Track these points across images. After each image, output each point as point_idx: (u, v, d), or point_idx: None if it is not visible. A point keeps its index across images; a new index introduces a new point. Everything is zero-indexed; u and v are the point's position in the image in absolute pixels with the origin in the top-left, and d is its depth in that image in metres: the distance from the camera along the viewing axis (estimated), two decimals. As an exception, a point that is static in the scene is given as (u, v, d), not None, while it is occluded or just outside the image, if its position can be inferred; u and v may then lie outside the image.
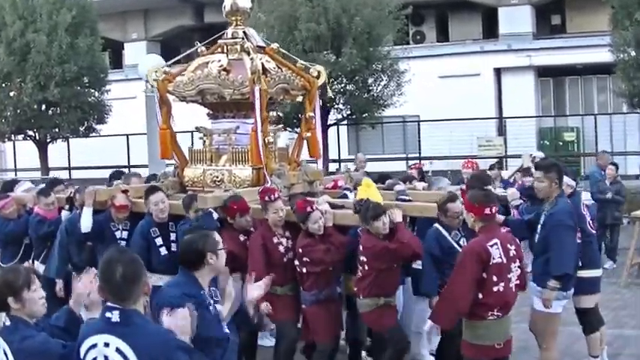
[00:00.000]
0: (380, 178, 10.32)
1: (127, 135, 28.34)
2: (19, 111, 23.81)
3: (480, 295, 6.62)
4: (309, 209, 8.13)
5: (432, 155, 26.09)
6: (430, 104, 27.19)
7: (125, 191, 9.47)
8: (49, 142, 25.69)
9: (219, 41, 10.03)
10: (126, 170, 16.53)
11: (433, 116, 26.90)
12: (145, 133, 18.72)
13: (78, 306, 5.16)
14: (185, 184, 9.84)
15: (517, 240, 7.12)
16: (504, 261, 6.65)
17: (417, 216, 8.68)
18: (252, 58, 9.46)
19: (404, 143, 29.21)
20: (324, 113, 22.03)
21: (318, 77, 10.16)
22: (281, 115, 20.14)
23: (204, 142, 9.84)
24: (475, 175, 10.50)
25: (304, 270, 8.17)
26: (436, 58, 29.23)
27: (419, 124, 27.71)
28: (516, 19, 29.86)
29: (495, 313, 6.66)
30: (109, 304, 4.43)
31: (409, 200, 8.86)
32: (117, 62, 35.19)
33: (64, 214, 9.90)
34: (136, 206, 9.37)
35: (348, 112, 23.25)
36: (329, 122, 22.89)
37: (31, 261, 10.06)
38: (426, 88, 26.36)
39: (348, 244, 8.24)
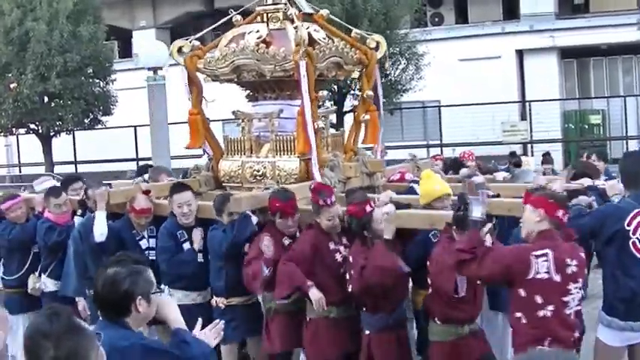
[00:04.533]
0: (452, 166, 8.94)
1: (135, 126, 27.33)
2: (18, 103, 23.04)
3: (524, 321, 5.26)
4: (368, 208, 6.54)
5: (454, 142, 25.27)
6: (450, 88, 26.52)
7: (147, 192, 7.95)
8: (53, 135, 25.06)
9: (258, 8, 8.47)
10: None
11: (453, 101, 26.31)
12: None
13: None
14: (221, 180, 8.38)
15: (582, 254, 5.48)
16: (555, 278, 5.21)
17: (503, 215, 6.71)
18: (295, 27, 7.92)
19: (424, 130, 28.54)
20: (339, 99, 21.17)
21: (376, 49, 8.74)
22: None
23: (243, 128, 8.32)
24: (584, 164, 9.27)
25: None
26: (455, 41, 28.39)
27: (439, 110, 27.23)
28: (538, -1, 28.87)
29: (545, 346, 5.17)
30: None
31: (494, 196, 7.06)
32: (126, 51, 34.35)
33: (77, 219, 8.45)
34: (159, 208, 7.90)
35: (365, 99, 22.12)
36: (344, 109, 22.02)
37: (37, 274, 8.72)
38: (446, 72, 25.69)
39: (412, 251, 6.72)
